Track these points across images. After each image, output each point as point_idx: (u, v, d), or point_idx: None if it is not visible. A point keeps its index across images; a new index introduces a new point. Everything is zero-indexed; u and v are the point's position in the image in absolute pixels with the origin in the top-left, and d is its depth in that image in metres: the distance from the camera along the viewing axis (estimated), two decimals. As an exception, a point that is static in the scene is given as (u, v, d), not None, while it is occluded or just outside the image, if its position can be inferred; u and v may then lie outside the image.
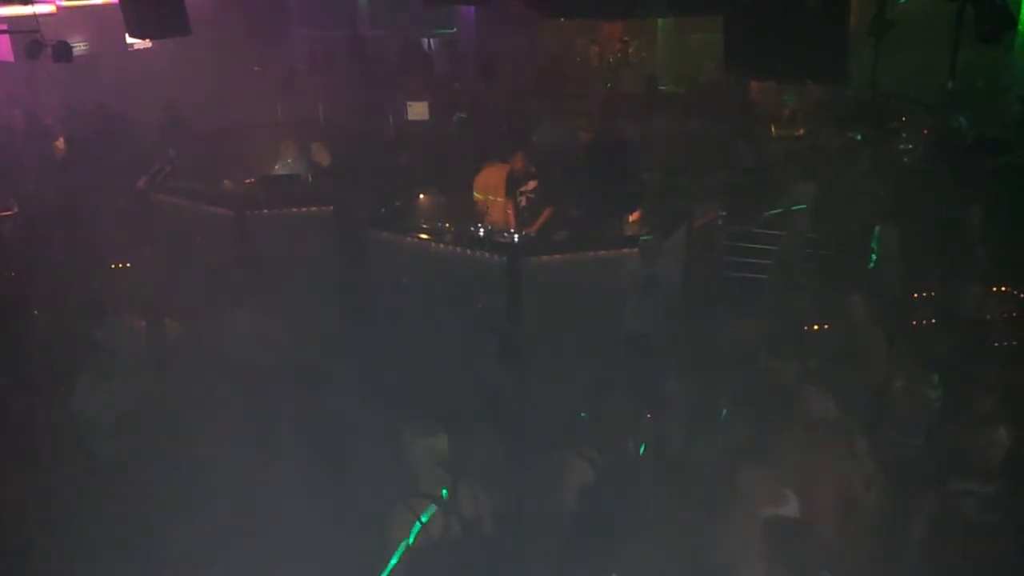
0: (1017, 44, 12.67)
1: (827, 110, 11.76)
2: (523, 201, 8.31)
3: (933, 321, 6.75)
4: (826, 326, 6.72)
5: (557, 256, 7.34)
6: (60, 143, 11.14)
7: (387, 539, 3.88)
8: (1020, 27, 12.16)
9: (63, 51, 8.95)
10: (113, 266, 8.79)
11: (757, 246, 8.99)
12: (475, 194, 8.60)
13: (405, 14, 16.39)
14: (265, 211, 8.41)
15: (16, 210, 9.73)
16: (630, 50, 16.40)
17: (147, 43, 14.32)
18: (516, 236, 7.67)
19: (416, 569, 3.92)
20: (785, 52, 5.73)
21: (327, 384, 5.65)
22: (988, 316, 6.57)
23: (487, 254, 7.24)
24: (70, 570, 5.28)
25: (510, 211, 8.29)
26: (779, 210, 9.04)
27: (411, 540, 3.85)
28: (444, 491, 3.97)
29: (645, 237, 7.10)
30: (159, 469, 5.35)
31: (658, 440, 5.22)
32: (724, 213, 9.15)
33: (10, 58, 13.27)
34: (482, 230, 7.58)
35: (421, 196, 8.98)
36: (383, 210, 8.46)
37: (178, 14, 7.85)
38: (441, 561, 3.93)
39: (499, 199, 8.39)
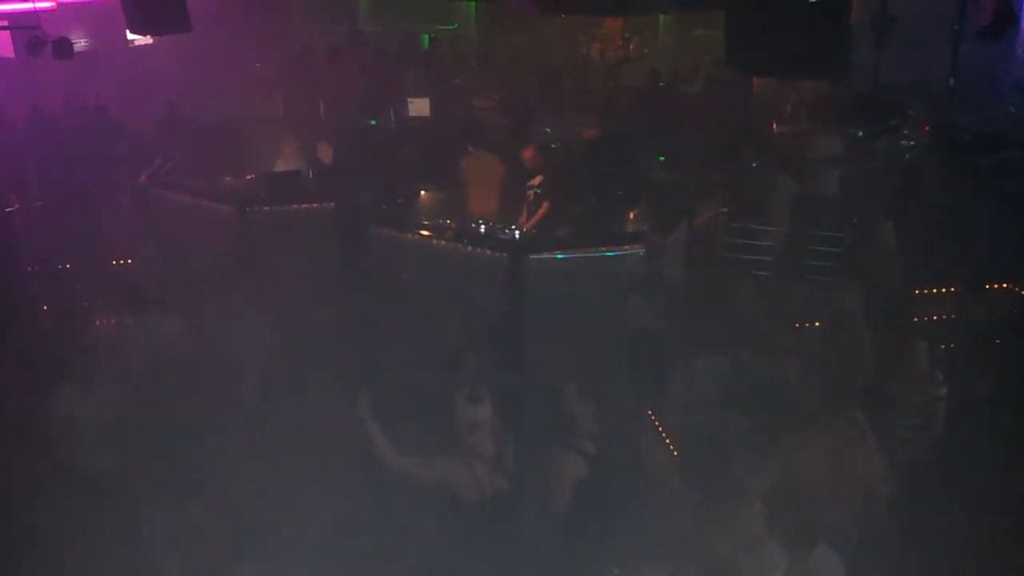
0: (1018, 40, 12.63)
1: (828, 106, 11.73)
2: (530, 196, 8.31)
3: (934, 318, 6.75)
4: (827, 322, 6.72)
5: (559, 252, 7.34)
6: (62, 139, 11.10)
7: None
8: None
9: (64, 47, 8.92)
10: (114, 262, 8.78)
11: (758, 242, 8.97)
12: (471, 188, 8.57)
13: (406, 10, 16.36)
14: (266, 207, 8.40)
15: (17, 206, 9.72)
16: (631, 46, 16.37)
17: (148, 39, 14.29)
18: (517, 232, 7.67)
19: (419, 558, 3.94)
20: (786, 49, 5.72)
21: (326, 381, 5.66)
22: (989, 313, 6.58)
23: (488, 251, 7.25)
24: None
25: (512, 206, 8.31)
26: (780, 206, 9.01)
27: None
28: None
29: (646, 233, 7.11)
30: (155, 473, 5.32)
31: (659, 435, 5.24)
32: (725, 209, 9.13)
33: (11, 54, 13.22)
34: (483, 227, 7.58)
35: (423, 193, 8.97)
36: (384, 207, 8.46)
37: (178, 10, 7.83)
38: (444, 552, 3.95)
39: (497, 193, 8.40)
